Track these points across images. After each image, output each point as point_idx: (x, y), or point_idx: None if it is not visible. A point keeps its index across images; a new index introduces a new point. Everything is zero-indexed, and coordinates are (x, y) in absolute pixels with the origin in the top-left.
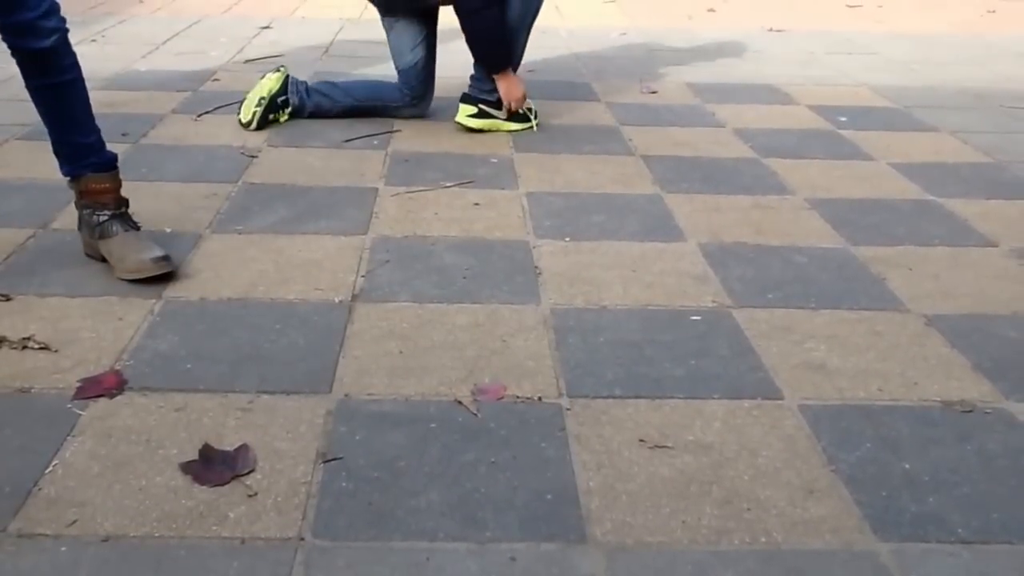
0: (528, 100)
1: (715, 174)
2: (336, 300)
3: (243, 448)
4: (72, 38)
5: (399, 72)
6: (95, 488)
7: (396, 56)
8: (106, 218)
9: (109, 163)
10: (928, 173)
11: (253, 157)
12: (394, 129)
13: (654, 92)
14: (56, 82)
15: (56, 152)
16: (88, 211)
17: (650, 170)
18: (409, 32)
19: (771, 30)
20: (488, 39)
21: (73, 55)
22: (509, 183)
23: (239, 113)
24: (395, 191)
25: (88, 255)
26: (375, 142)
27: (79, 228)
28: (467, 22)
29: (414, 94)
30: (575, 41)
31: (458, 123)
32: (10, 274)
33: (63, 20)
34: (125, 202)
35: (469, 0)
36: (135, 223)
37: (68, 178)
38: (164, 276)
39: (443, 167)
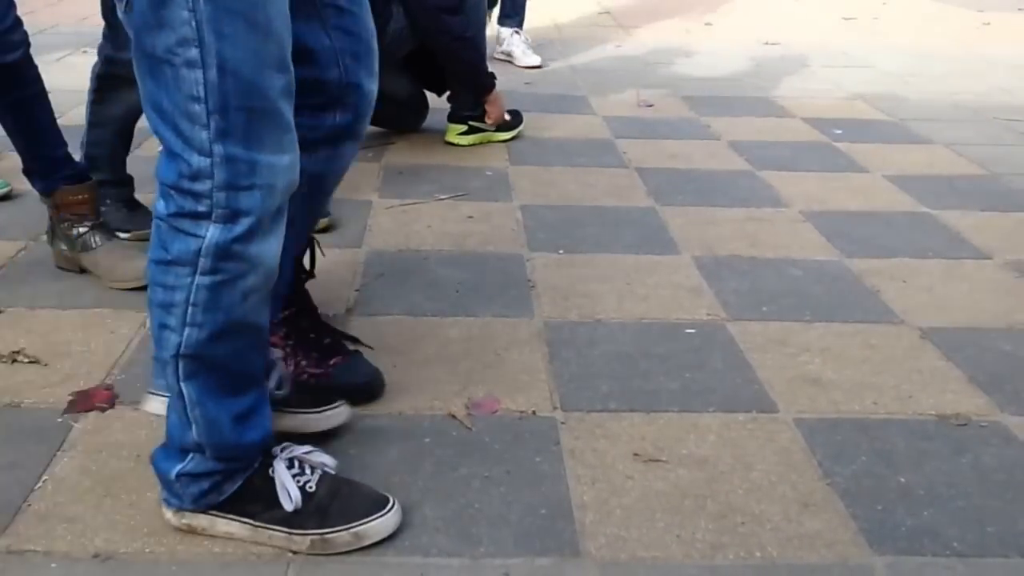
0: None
1: (710, 187)
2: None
3: None
4: (62, 50)
5: None
6: (85, 504)
7: None
8: (86, 230)
9: (82, 174)
10: (923, 185)
11: None
12: (388, 141)
13: (650, 105)
14: (24, 95)
15: (28, 170)
16: (66, 224)
17: (644, 183)
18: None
19: (767, 43)
20: (477, 64)
21: (36, 68)
22: (503, 195)
23: None
24: (389, 204)
25: (61, 267)
26: (369, 154)
27: (50, 241)
28: (456, 56)
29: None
30: (571, 54)
31: (449, 142)
32: (0, 287)
33: (26, 33)
34: (100, 212)
35: (456, 30)
36: (114, 232)
37: (42, 194)
38: None
39: (437, 179)
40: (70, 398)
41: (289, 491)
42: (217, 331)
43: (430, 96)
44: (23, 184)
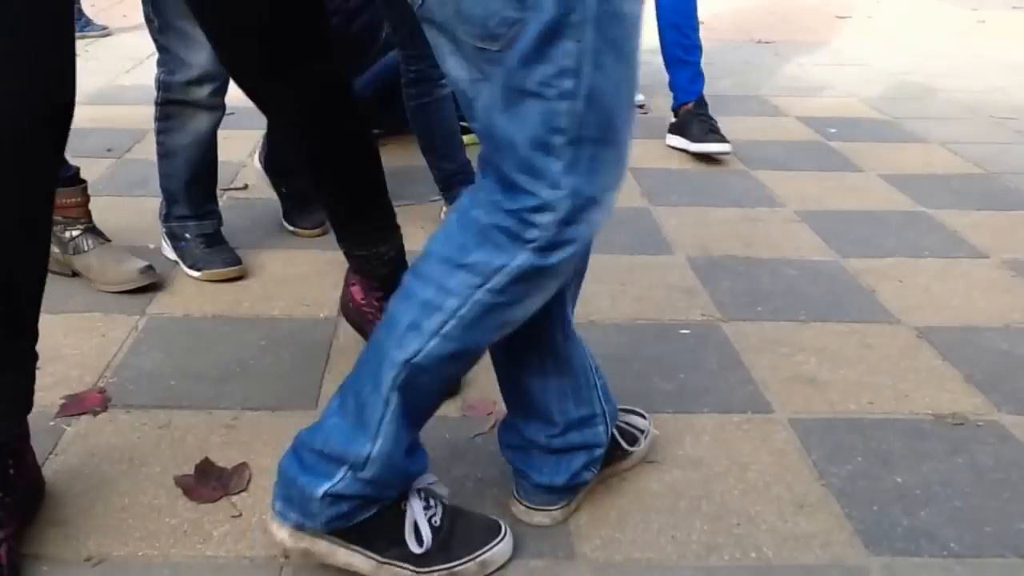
0: None
1: (704, 186)
2: (321, 316)
3: (241, 467)
4: None
5: None
6: (78, 507)
7: None
8: (79, 232)
9: (75, 177)
10: (918, 184)
11: (237, 172)
12: (381, 143)
13: (641, 106)
14: None
15: None
16: (59, 227)
17: (638, 183)
18: None
19: (760, 42)
20: None
21: None
22: None
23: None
24: None
25: (52, 271)
26: None
27: None
28: None
29: None
30: None
31: None
32: None
33: None
34: (91, 215)
35: None
36: (105, 235)
37: None
38: (147, 287)
39: (430, 181)
40: (62, 401)
41: (421, 531)
42: (458, 352)
43: None
44: None
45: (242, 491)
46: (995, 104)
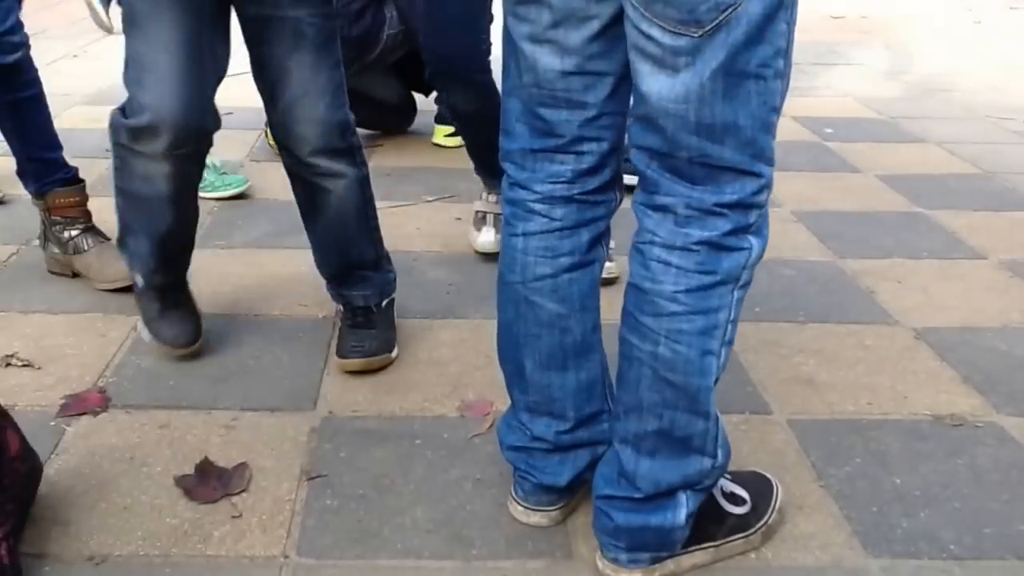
0: None
1: None
2: (320, 316)
3: (240, 467)
4: (54, 53)
5: None
6: (79, 507)
7: None
8: (78, 232)
9: (75, 177)
10: (915, 185)
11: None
12: (376, 144)
13: None
14: (20, 97)
15: (21, 172)
16: (58, 227)
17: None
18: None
19: None
20: None
21: (35, 70)
22: None
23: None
24: (377, 206)
25: (53, 272)
26: None
27: (42, 246)
28: None
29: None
30: None
31: (437, 144)
32: None
33: (26, 36)
34: (91, 215)
35: None
36: (105, 235)
37: (35, 196)
38: None
39: (424, 181)
40: (63, 401)
41: (738, 494)
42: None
43: (421, 101)
44: (14, 188)
45: (242, 491)
46: (992, 104)
